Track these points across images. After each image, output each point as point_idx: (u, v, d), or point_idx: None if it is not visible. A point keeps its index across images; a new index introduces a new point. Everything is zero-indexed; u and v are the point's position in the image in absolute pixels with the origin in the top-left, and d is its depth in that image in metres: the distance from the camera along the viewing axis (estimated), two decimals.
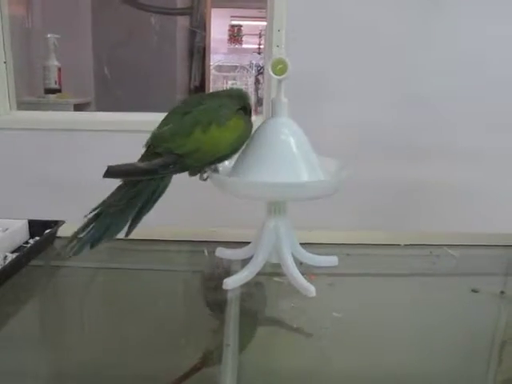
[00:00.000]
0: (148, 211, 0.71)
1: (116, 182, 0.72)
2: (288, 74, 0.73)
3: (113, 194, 0.70)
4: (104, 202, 0.70)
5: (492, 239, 1.02)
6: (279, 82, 0.76)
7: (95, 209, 0.69)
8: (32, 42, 2.51)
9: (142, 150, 0.73)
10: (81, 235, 0.69)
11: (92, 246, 0.68)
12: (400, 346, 0.68)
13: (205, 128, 0.70)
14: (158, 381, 0.59)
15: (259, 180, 0.74)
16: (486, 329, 0.73)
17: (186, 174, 0.76)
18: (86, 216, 0.69)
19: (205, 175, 0.75)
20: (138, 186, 0.69)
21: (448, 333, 0.71)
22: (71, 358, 0.64)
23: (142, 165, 0.69)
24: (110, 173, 0.68)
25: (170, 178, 0.72)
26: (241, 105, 0.75)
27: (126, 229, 0.70)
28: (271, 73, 0.73)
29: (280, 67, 0.73)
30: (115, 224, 0.69)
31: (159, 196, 0.71)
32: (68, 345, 0.67)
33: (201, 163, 0.73)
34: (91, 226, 0.69)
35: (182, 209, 1.12)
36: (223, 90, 0.79)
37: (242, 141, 0.75)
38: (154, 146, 0.70)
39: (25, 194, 1.43)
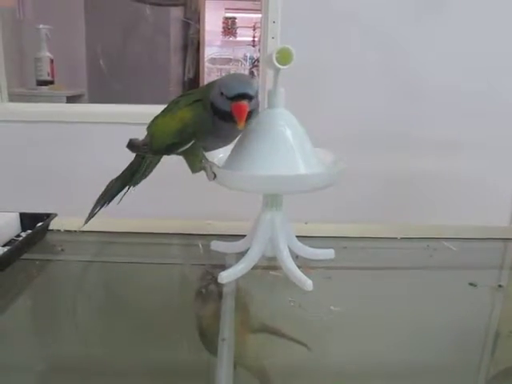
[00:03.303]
0: (135, 184, 0.81)
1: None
2: (291, 64, 0.71)
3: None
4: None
5: (490, 232, 1.02)
6: (276, 72, 0.75)
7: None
8: (23, 32, 2.47)
9: None
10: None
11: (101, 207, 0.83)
12: (397, 338, 0.67)
13: (163, 115, 0.76)
14: (152, 374, 0.58)
15: (254, 173, 0.73)
16: (484, 322, 0.72)
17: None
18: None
19: (211, 174, 0.74)
20: (133, 164, 0.81)
21: (445, 326, 0.70)
22: (63, 352, 0.63)
23: (135, 141, 0.79)
24: (129, 144, 0.79)
25: (156, 160, 0.81)
26: (203, 96, 0.71)
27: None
28: (275, 62, 0.71)
29: (285, 57, 0.71)
30: (111, 192, 0.82)
31: (145, 172, 0.81)
32: (60, 338, 0.66)
33: (158, 147, 0.76)
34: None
35: (177, 202, 1.11)
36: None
37: (190, 131, 0.71)
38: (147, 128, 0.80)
39: (16, 186, 1.41)
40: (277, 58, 0.71)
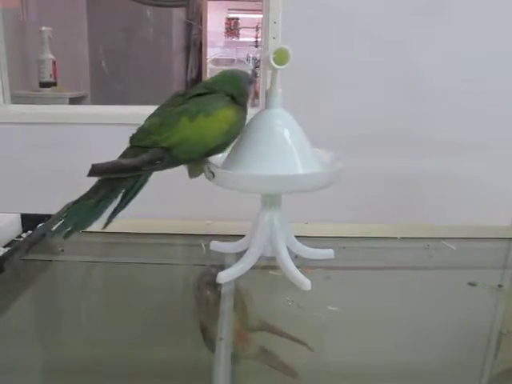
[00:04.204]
0: (125, 206, 0.68)
1: None
2: (288, 64, 0.72)
3: (92, 187, 0.68)
4: (84, 194, 0.68)
5: (490, 232, 1.02)
6: (274, 72, 0.75)
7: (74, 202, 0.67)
8: (26, 35, 2.48)
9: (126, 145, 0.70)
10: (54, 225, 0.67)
11: (65, 237, 0.66)
12: (396, 339, 0.67)
13: (192, 118, 0.67)
14: (150, 373, 0.58)
15: (252, 173, 0.73)
16: (483, 322, 0.72)
17: (183, 169, 0.75)
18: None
19: (209, 174, 0.73)
20: (116, 180, 0.67)
21: (445, 327, 0.70)
22: (64, 353, 0.63)
23: (127, 161, 0.66)
24: (95, 171, 0.65)
25: (150, 173, 0.69)
26: (230, 92, 0.71)
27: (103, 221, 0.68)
28: (272, 62, 0.71)
29: (282, 57, 0.71)
30: (87, 216, 0.66)
31: (137, 191, 0.68)
32: (61, 339, 0.66)
33: (190, 156, 0.69)
34: (63, 217, 0.66)
35: (176, 202, 1.11)
36: (215, 76, 0.75)
37: (234, 132, 0.72)
38: (139, 140, 0.68)
39: (19, 188, 1.42)
40: (274, 59, 0.71)
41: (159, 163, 0.66)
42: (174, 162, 0.68)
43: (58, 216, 0.66)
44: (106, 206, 0.67)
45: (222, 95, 0.71)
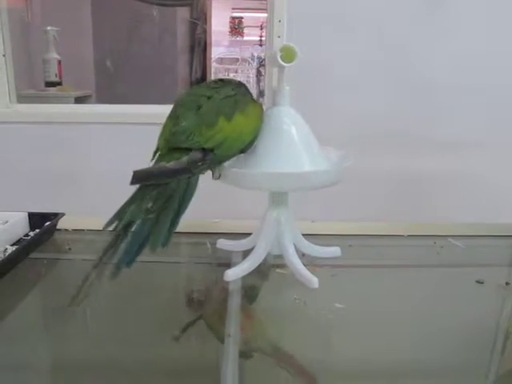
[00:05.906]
0: (183, 213, 0.64)
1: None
2: (296, 61, 0.72)
3: (135, 202, 0.63)
4: (123, 211, 0.62)
5: (497, 229, 1.01)
6: (281, 70, 0.75)
7: (114, 220, 0.62)
8: (31, 35, 2.50)
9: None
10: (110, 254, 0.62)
11: (129, 264, 0.60)
12: (403, 337, 0.67)
13: (228, 117, 0.67)
14: (158, 370, 0.58)
15: (259, 170, 0.73)
16: (491, 320, 0.72)
17: None
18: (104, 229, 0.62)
19: (217, 174, 0.72)
20: (168, 187, 0.63)
21: (452, 325, 0.70)
22: (70, 351, 0.63)
23: (170, 165, 0.62)
24: (137, 178, 0.62)
25: (197, 177, 0.67)
26: (246, 90, 0.75)
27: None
28: (279, 60, 0.72)
29: (289, 54, 0.71)
30: (154, 233, 0.61)
31: (192, 193, 0.65)
32: (68, 338, 0.66)
33: (230, 154, 0.69)
34: (124, 241, 0.61)
35: None
36: (221, 80, 0.76)
37: (261, 126, 0.73)
38: (180, 142, 0.64)
39: (26, 187, 1.43)
40: (281, 56, 0.71)
41: (200, 165, 0.64)
42: (215, 162, 0.67)
43: (113, 244, 0.62)
44: (167, 219, 0.62)
45: (241, 93, 0.73)
